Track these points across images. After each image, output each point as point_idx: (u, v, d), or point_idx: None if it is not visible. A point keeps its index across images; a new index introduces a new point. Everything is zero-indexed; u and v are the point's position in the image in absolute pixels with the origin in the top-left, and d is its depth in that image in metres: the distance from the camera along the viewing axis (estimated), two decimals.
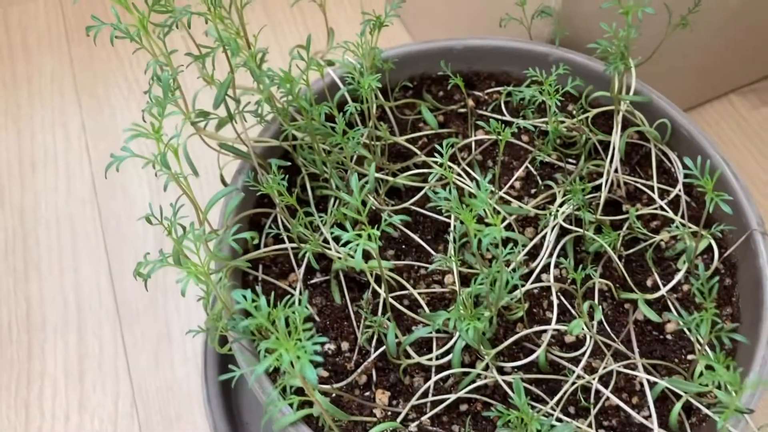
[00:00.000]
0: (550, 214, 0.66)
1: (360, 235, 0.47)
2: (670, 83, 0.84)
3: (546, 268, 0.65)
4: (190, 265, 0.46)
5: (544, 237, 0.66)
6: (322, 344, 0.61)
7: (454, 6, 0.94)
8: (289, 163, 0.66)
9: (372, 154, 0.67)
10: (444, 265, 0.62)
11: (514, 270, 0.60)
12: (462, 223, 0.54)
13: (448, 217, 0.67)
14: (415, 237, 0.67)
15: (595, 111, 0.70)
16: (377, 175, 0.67)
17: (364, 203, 0.49)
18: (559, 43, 0.75)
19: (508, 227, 0.66)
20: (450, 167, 0.69)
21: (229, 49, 0.57)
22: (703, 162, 0.55)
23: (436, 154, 0.58)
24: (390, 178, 0.67)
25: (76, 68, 1.08)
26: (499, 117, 0.74)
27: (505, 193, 0.70)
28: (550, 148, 0.69)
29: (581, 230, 0.64)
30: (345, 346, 0.62)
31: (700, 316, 0.46)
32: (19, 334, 0.85)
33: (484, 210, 0.66)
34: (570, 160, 0.72)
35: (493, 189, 0.69)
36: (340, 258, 0.63)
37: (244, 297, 0.42)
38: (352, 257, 0.64)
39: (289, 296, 0.46)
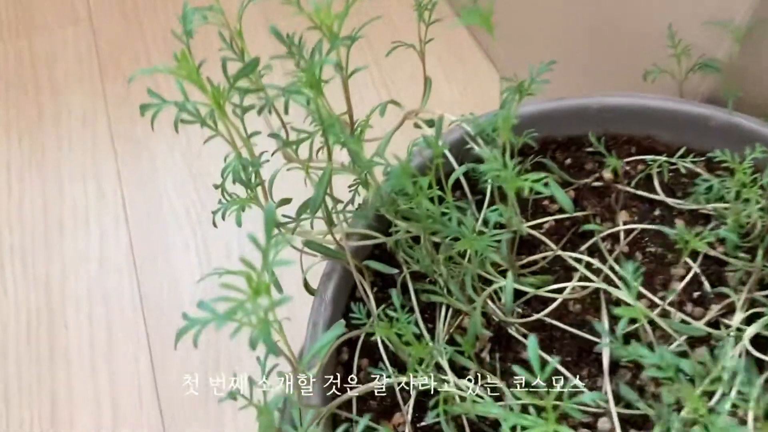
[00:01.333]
0: (729, 334, 0.51)
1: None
2: None
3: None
4: None
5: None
6: None
7: (585, 56, 0.78)
8: (396, 271, 0.51)
9: (500, 252, 0.52)
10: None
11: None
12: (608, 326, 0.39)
13: (592, 331, 0.52)
14: (551, 359, 0.52)
15: None
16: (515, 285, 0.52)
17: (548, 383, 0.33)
18: (717, 102, 0.60)
19: (682, 353, 0.50)
20: (591, 264, 0.54)
21: (331, 133, 0.42)
22: None
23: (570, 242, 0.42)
24: (529, 290, 0.52)
25: (110, 107, 0.94)
26: (649, 195, 0.59)
27: (660, 296, 0.54)
28: (731, 247, 0.53)
29: None
30: None
31: None
32: None
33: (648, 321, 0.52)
34: (740, 254, 0.56)
35: (649, 296, 0.54)
36: (463, 397, 0.48)
37: None
38: (480, 396, 0.49)
39: None
